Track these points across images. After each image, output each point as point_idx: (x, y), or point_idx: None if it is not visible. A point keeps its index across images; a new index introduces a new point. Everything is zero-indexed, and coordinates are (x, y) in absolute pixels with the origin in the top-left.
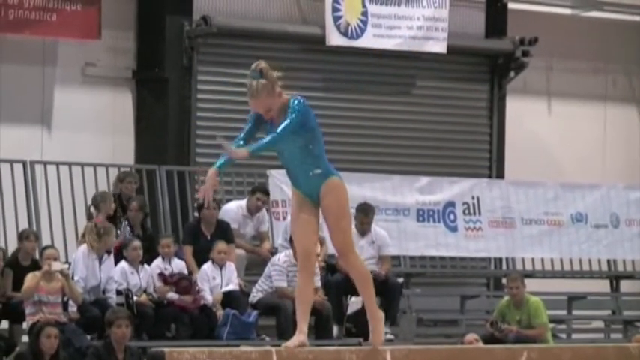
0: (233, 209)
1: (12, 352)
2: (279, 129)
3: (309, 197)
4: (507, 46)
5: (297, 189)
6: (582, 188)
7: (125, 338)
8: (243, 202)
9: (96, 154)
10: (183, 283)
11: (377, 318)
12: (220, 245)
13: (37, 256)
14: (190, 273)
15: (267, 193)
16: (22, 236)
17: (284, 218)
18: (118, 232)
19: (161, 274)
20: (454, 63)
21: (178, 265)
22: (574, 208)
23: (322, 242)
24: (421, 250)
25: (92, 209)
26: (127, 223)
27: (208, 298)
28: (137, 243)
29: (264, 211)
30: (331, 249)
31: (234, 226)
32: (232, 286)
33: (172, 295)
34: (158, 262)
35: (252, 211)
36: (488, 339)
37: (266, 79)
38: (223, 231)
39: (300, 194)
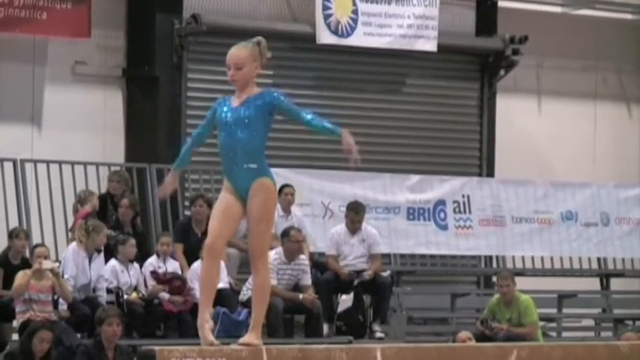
0: None
1: (2, 350)
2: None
3: (237, 191)
4: (497, 44)
5: (228, 180)
6: (572, 186)
7: (115, 337)
8: None
9: (86, 152)
10: (176, 283)
11: (256, 333)
12: None
13: (28, 254)
14: (182, 272)
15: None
16: (12, 234)
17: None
18: (111, 232)
19: (154, 273)
20: (444, 61)
21: (173, 265)
22: (564, 207)
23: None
24: (411, 248)
25: (78, 206)
26: (115, 220)
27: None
28: (133, 241)
29: None
30: (320, 247)
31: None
32: (222, 285)
33: (164, 296)
34: (152, 260)
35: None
36: (479, 337)
37: (259, 49)
38: None
39: (230, 186)
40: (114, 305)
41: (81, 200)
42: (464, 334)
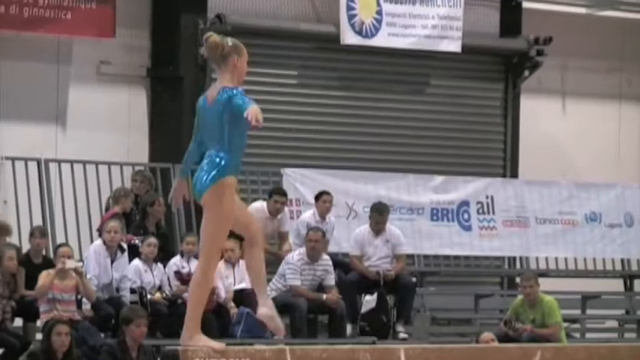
0: (258, 209)
1: (26, 350)
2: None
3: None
4: (522, 45)
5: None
6: (597, 187)
7: (142, 337)
8: (266, 204)
9: (110, 152)
10: None
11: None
12: (228, 243)
13: (50, 253)
14: None
15: (284, 194)
16: (30, 234)
17: (298, 217)
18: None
19: (177, 273)
20: (468, 62)
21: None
22: (588, 208)
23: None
24: (435, 249)
25: (111, 202)
26: (139, 219)
27: (222, 296)
28: (153, 240)
29: (285, 211)
30: (344, 248)
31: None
32: (245, 284)
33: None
34: (176, 260)
35: (273, 213)
36: (502, 338)
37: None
38: None
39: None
40: (138, 305)
41: (115, 198)
42: (487, 335)
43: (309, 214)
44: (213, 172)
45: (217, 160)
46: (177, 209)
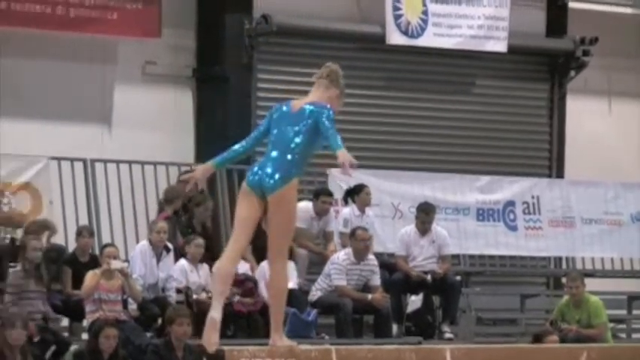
0: (303, 209)
1: (67, 350)
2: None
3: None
4: (568, 45)
5: None
6: None
7: (186, 336)
8: (311, 204)
9: (156, 152)
10: (248, 285)
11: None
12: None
13: (97, 252)
14: (252, 271)
15: (331, 194)
16: (77, 233)
17: None
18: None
19: None
20: (514, 62)
21: (243, 267)
22: (634, 207)
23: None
24: (481, 249)
25: (163, 202)
26: (186, 220)
27: (266, 295)
28: (200, 241)
29: (331, 212)
30: (389, 248)
31: (302, 225)
32: (291, 285)
33: (234, 299)
34: None
35: (319, 213)
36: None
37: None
38: None
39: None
40: (183, 305)
41: (167, 199)
42: (553, 337)
43: (347, 210)
44: (288, 174)
45: (290, 161)
46: (222, 209)
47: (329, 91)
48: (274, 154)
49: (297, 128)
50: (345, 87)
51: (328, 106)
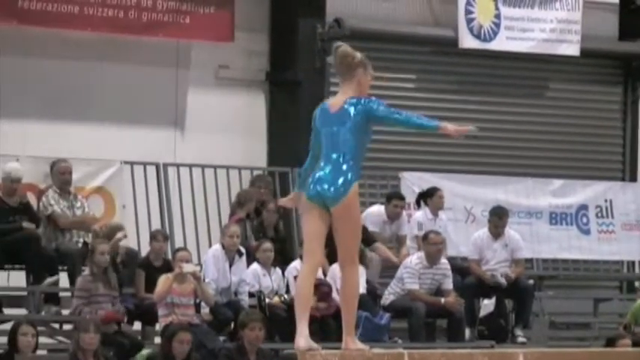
0: (375, 213)
1: (138, 352)
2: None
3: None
4: None
5: None
6: None
7: (258, 341)
8: (383, 208)
9: (229, 156)
10: (324, 289)
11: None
12: (266, 244)
13: (170, 256)
14: (324, 275)
15: (403, 198)
16: (151, 237)
17: None
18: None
19: (297, 277)
20: (587, 65)
21: None
22: None
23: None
24: (554, 253)
25: (236, 206)
26: (258, 224)
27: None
28: (268, 245)
29: (403, 215)
30: (462, 252)
31: (374, 229)
32: (361, 290)
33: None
34: (296, 264)
35: (391, 217)
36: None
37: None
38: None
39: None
40: (256, 309)
41: (240, 202)
42: (625, 341)
43: (420, 213)
44: (347, 181)
45: (345, 167)
46: (294, 213)
47: (354, 76)
48: (328, 163)
49: (344, 131)
50: (364, 57)
51: (371, 98)
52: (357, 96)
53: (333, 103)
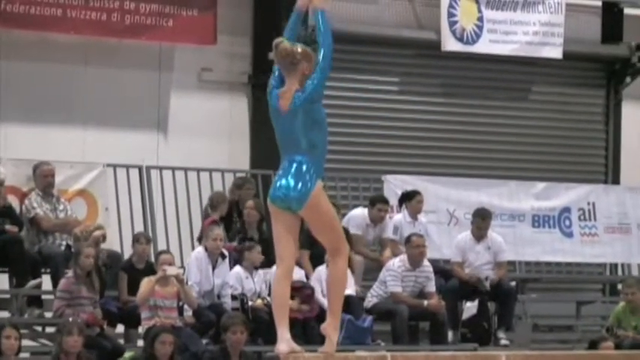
0: (359, 216)
1: (120, 355)
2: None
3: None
4: (624, 51)
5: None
6: None
7: (240, 344)
8: (367, 211)
9: (211, 159)
10: (306, 292)
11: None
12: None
13: (153, 259)
14: (307, 279)
15: (387, 202)
16: (134, 239)
17: None
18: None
19: None
20: (570, 68)
21: (298, 273)
22: None
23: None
24: (537, 255)
25: (209, 208)
26: (240, 226)
27: (323, 301)
28: (259, 247)
29: (387, 219)
30: (445, 254)
31: (357, 232)
32: (348, 291)
33: (291, 304)
34: None
35: (375, 220)
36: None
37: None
38: None
39: None
40: (239, 312)
41: (212, 204)
42: (607, 344)
43: (399, 217)
44: (308, 183)
45: (305, 169)
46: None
47: (298, 70)
48: (288, 164)
49: (298, 128)
50: (305, 49)
51: (308, 82)
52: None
53: (282, 98)
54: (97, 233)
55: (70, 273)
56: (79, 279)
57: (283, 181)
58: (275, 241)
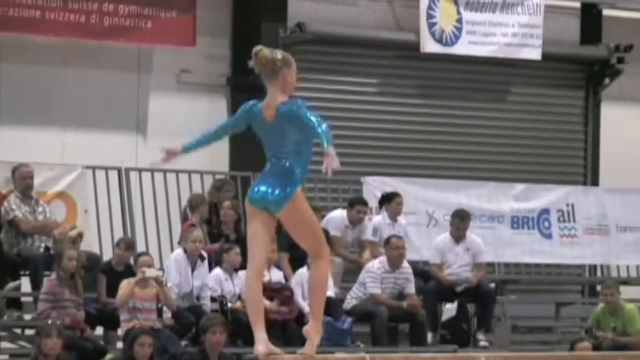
0: (338, 217)
1: (101, 358)
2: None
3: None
4: (602, 52)
5: None
6: None
7: (220, 345)
8: (346, 212)
9: (190, 161)
10: (286, 294)
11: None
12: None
13: (132, 261)
14: (286, 280)
15: (366, 204)
16: (117, 244)
17: None
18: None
19: None
20: (549, 70)
21: (277, 275)
22: None
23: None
24: (516, 257)
25: (188, 210)
26: (219, 227)
27: (302, 304)
28: (238, 249)
29: (366, 220)
30: (425, 256)
31: (336, 233)
32: (328, 293)
33: (270, 306)
34: None
35: (354, 222)
36: None
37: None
38: None
39: None
40: (218, 314)
41: (191, 206)
42: (585, 344)
43: (378, 218)
44: (288, 189)
45: (286, 171)
46: None
47: (280, 77)
48: (270, 165)
49: (281, 136)
50: (285, 55)
51: (298, 101)
52: (287, 99)
53: (266, 109)
54: (73, 233)
55: (53, 275)
56: (62, 281)
57: (263, 185)
58: (249, 240)
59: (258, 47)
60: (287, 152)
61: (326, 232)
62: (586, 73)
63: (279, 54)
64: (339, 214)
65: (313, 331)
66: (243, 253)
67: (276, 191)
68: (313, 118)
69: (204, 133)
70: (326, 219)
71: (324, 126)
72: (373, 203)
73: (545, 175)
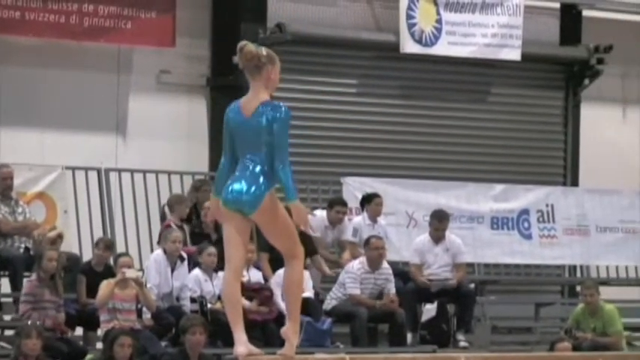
0: (317, 218)
1: (82, 359)
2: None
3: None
4: (582, 53)
5: None
6: None
7: (199, 345)
8: (325, 213)
9: (170, 161)
10: (265, 294)
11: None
12: (211, 249)
13: (112, 261)
14: (266, 281)
15: (345, 204)
16: (96, 244)
17: None
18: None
19: None
20: (528, 70)
21: (256, 275)
22: None
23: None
24: (496, 257)
25: (166, 209)
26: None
27: (282, 304)
28: (212, 249)
29: (345, 220)
30: (404, 256)
31: (316, 234)
32: (307, 294)
33: (250, 306)
34: None
35: (333, 223)
36: None
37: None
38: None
39: None
40: (198, 314)
41: (170, 206)
42: (564, 344)
43: (358, 219)
44: (261, 189)
45: (260, 174)
46: None
47: (263, 74)
48: (243, 170)
49: (258, 137)
50: (270, 52)
51: (281, 105)
52: (269, 98)
53: (245, 104)
54: (52, 234)
55: (33, 276)
56: (43, 282)
57: (236, 184)
58: (225, 242)
59: (243, 42)
60: (260, 152)
61: (309, 237)
62: (566, 73)
63: (264, 50)
64: (318, 215)
65: (291, 332)
66: (222, 254)
67: (250, 192)
68: (282, 158)
69: (220, 174)
70: None
71: (288, 173)
72: (353, 204)
73: (524, 175)
